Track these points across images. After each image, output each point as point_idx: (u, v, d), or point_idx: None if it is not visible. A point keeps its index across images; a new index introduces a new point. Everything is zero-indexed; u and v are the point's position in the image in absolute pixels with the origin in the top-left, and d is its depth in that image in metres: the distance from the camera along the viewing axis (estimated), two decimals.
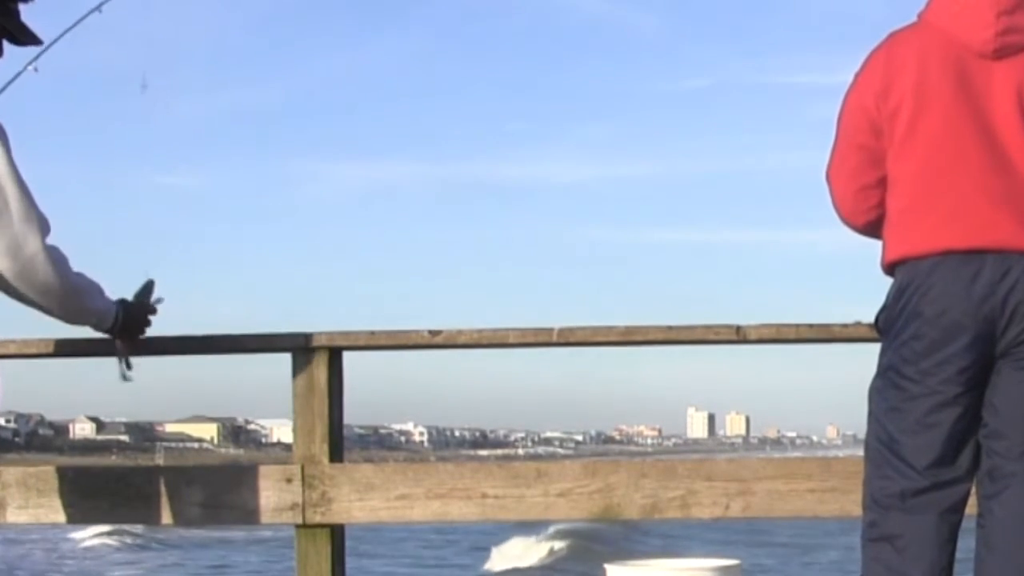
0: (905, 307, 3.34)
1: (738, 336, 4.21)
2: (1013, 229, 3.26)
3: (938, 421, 3.32)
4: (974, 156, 3.28)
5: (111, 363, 4.00)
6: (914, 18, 3.44)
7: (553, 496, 4.19)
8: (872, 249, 3.58)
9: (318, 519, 4.23)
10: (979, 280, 3.26)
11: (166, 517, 4.29)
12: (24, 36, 3.64)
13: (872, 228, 3.52)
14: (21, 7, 3.60)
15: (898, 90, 3.32)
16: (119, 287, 3.85)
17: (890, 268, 3.44)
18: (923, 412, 3.32)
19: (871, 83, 3.37)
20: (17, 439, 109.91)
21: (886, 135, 3.36)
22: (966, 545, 3.44)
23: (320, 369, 4.26)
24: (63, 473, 4.32)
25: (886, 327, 3.43)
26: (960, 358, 3.28)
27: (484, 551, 27.30)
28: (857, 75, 3.43)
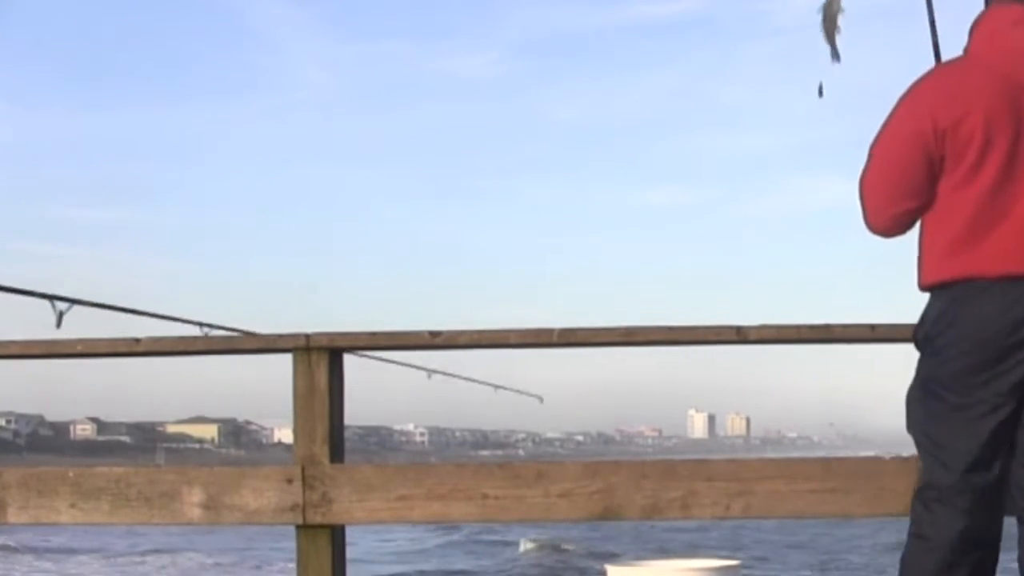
0: (951, 326, 3.51)
1: (739, 336, 4.21)
2: None
3: (978, 430, 3.51)
4: None
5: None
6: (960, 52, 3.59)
7: (554, 497, 4.19)
8: (875, 256, 3.65)
9: (319, 519, 4.23)
10: (1018, 306, 3.43)
11: (167, 518, 4.30)
12: None
13: (895, 235, 3.67)
14: None
15: (969, 124, 3.44)
16: None
17: (936, 287, 3.57)
18: (964, 421, 3.51)
19: (932, 114, 3.48)
20: (17, 440, 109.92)
21: (948, 163, 3.48)
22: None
23: (320, 370, 4.26)
24: (63, 474, 4.33)
25: (926, 342, 3.60)
26: (1006, 376, 3.46)
27: None
28: (911, 104, 3.53)
